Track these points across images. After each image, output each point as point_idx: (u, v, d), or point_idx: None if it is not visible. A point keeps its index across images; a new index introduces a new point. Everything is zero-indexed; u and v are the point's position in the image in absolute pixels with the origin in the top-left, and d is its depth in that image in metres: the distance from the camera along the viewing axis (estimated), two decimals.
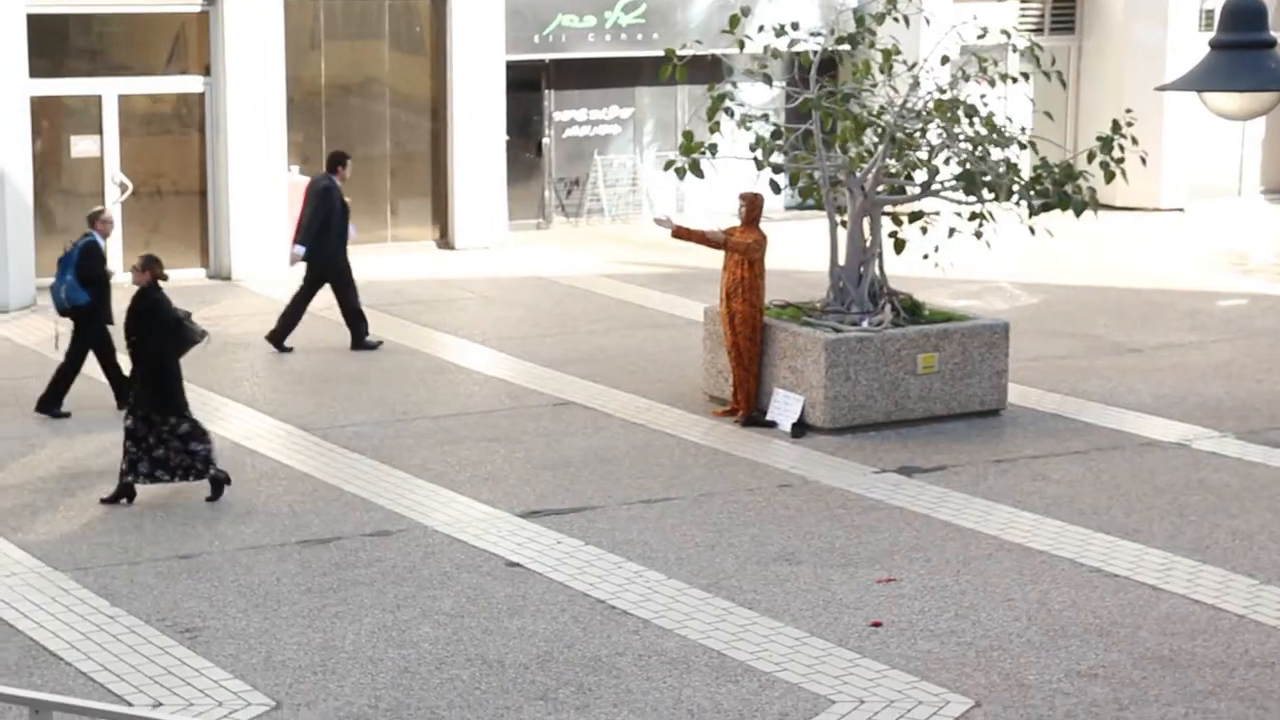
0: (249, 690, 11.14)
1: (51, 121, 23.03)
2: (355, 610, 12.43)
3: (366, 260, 24.69)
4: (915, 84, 17.46)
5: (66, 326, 17.30)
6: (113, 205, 23.16)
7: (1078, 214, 17.09)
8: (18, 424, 16.98)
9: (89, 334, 17.15)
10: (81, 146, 23.26)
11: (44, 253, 22.46)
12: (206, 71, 23.65)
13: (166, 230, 23.81)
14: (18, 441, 16.41)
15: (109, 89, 23.28)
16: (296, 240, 20.11)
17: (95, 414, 17.32)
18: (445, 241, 25.90)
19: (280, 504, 14.74)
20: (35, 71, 22.23)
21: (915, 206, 17.89)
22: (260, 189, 23.67)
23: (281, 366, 19.25)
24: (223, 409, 17.57)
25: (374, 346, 19.79)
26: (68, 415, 17.24)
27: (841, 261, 17.54)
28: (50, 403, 17.28)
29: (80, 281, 16.84)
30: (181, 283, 23.27)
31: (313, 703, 10.97)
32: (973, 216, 17.44)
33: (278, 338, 19.69)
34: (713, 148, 17.40)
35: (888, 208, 17.78)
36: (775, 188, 17.95)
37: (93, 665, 11.49)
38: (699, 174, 17.41)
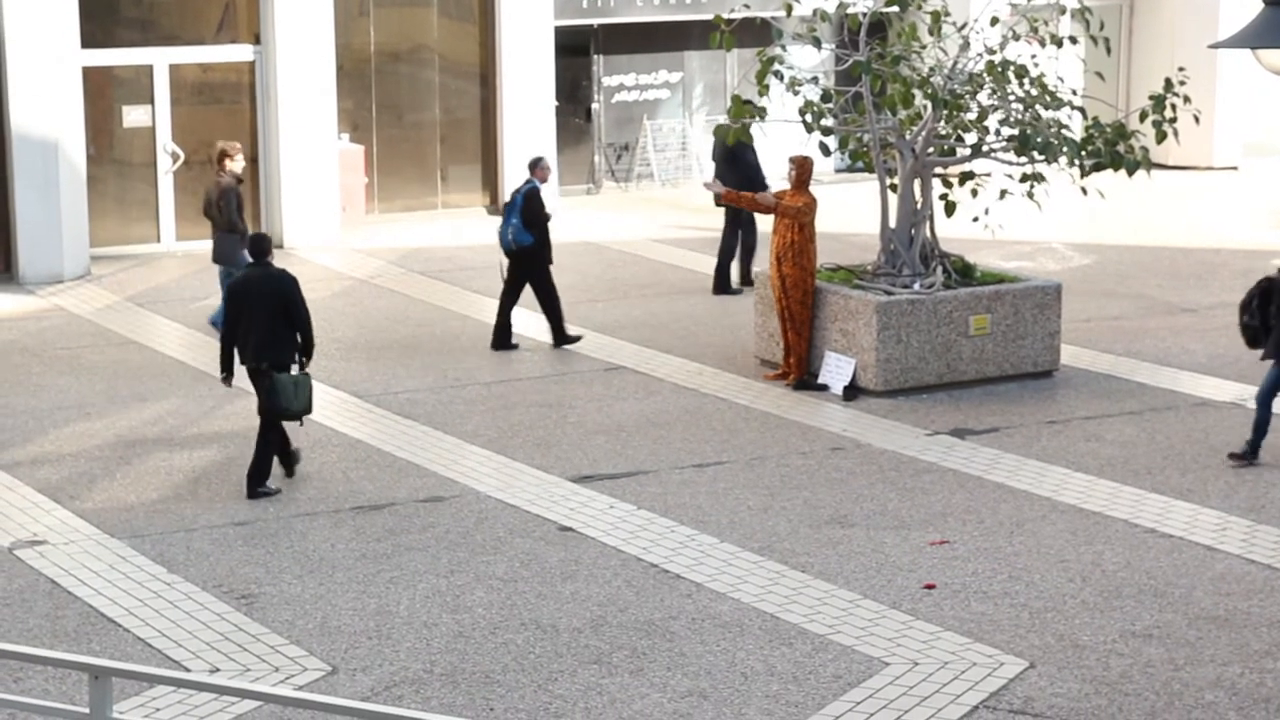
0: (305, 655, 11.21)
1: (103, 92, 23.13)
2: (409, 576, 12.50)
3: (417, 228, 24.77)
4: (965, 45, 17.37)
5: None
6: (165, 175, 23.26)
7: (1130, 173, 17.00)
8: (74, 393, 17.11)
9: (531, 273, 18.31)
10: (133, 116, 23.36)
11: (97, 223, 22.59)
12: (256, 40, 23.70)
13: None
14: (74, 410, 16.53)
15: (160, 59, 23.36)
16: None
17: (154, 384, 17.43)
18: (495, 208, 25.89)
19: (334, 470, 14.81)
20: (87, 42, 22.32)
21: (966, 168, 17.82)
22: (311, 157, 23.72)
23: (333, 334, 19.31)
24: None
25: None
26: (515, 346, 18.54)
27: (892, 224, 17.49)
28: (502, 339, 18.60)
29: (524, 224, 18.10)
30: None
31: (368, 668, 11.04)
32: (1024, 178, 17.36)
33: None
34: (762, 111, 17.36)
35: (938, 170, 17.71)
36: (825, 150, 17.90)
37: (150, 631, 11.58)
38: (748, 138, 17.35)
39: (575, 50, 26.82)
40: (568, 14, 26.22)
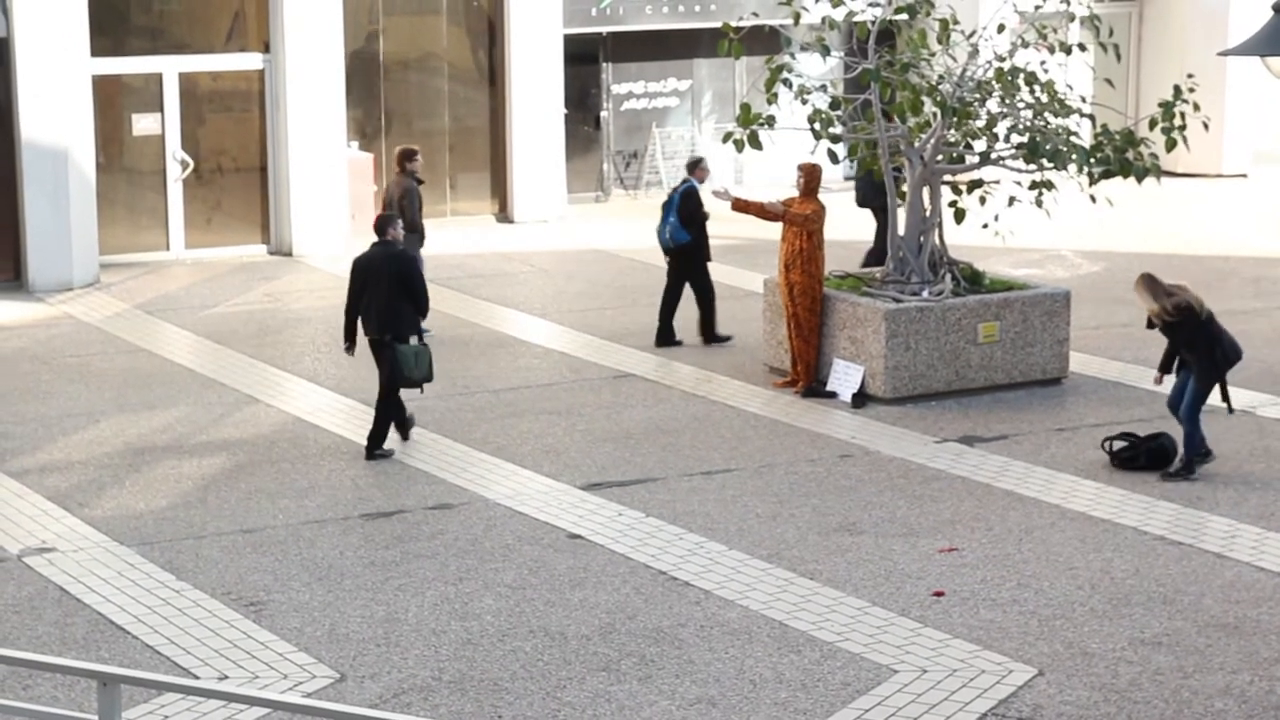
0: (313, 663, 11.22)
1: (112, 100, 23.17)
2: (418, 583, 12.50)
3: (427, 235, 24.75)
4: (974, 52, 17.37)
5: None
6: (174, 183, 23.28)
7: (1139, 181, 16.99)
8: (83, 400, 17.13)
9: (689, 270, 18.80)
10: (143, 125, 23.39)
11: (106, 231, 22.61)
12: (266, 49, 23.73)
13: (227, 207, 23.93)
14: (84, 417, 16.55)
15: (169, 67, 23.39)
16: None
17: (163, 391, 17.45)
18: (504, 215, 25.94)
19: (343, 478, 14.82)
20: (97, 50, 22.35)
21: (975, 175, 17.81)
22: (320, 165, 23.74)
23: (342, 342, 19.28)
24: (285, 384, 17.67)
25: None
26: (679, 343, 18.90)
27: (901, 231, 17.49)
28: (665, 337, 19.01)
29: (682, 223, 18.61)
30: (243, 259, 23.44)
31: (376, 675, 11.04)
32: (1033, 185, 17.35)
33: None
34: (770, 119, 17.36)
35: (947, 177, 17.71)
36: (833, 158, 17.90)
37: (159, 639, 11.59)
38: (757, 146, 17.36)
39: (584, 58, 26.83)
40: (577, 22, 26.24)
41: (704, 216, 18.85)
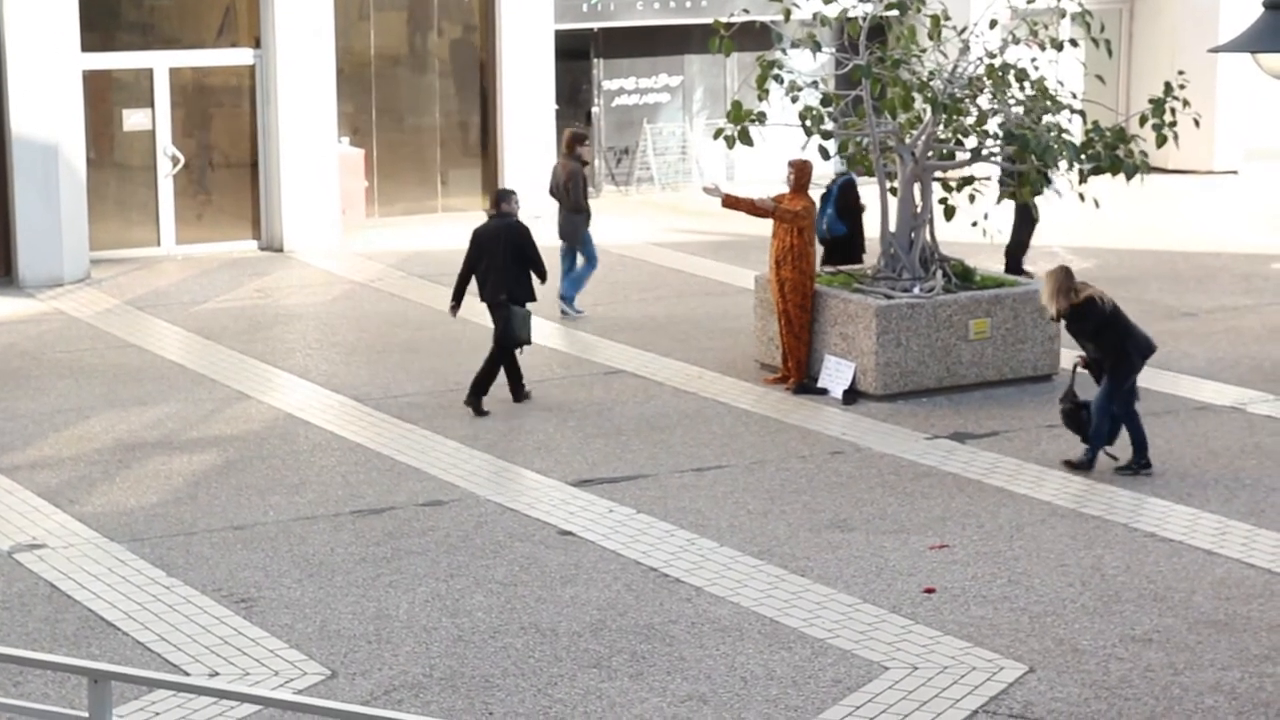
0: (304, 659, 11.21)
1: (103, 95, 23.14)
2: (409, 579, 12.50)
3: (417, 231, 24.77)
4: (965, 49, 17.38)
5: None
6: (164, 178, 23.26)
7: (1129, 178, 17.01)
8: (73, 396, 17.11)
9: (845, 260, 19.18)
10: (133, 120, 23.37)
11: (97, 226, 22.59)
12: (257, 44, 23.71)
13: (218, 202, 23.92)
14: (74, 413, 16.53)
15: (160, 62, 23.37)
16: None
17: (153, 387, 17.44)
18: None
19: (334, 474, 14.82)
20: (87, 45, 22.32)
21: (966, 172, 17.82)
22: (311, 161, 23.73)
23: (334, 338, 19.33)
24: (275, 380, 17.66)
25: None
26: None
27: (892, 228, 17.49)
28: None
29: (839, 214, 19.17)
30: (234, 254, 23.42)
31: (367, 672, 11.04)
32: (1024, 182, 17.35)
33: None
34: (761, 115, 17.36)
35: (938, 174, 17.72)
36: (824, 154, 17.91)
37: (150, 635, 11.58)
38: (748, 142, 17.37)
39: (575, 54, 26.83)
40: (568, 17, 26.23)
41: (861, 209, 19.38)
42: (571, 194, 20.00)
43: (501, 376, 16.74)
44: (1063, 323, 14.95)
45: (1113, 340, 14.61)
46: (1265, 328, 19.52)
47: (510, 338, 16.60)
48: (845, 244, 19.39)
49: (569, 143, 20.29)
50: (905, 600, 12.10)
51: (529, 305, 16.70)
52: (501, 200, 16.98)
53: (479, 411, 16.39)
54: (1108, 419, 14.63)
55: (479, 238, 16.75)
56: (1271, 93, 27.98)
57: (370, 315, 20.33)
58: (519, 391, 16.83)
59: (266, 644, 11.45)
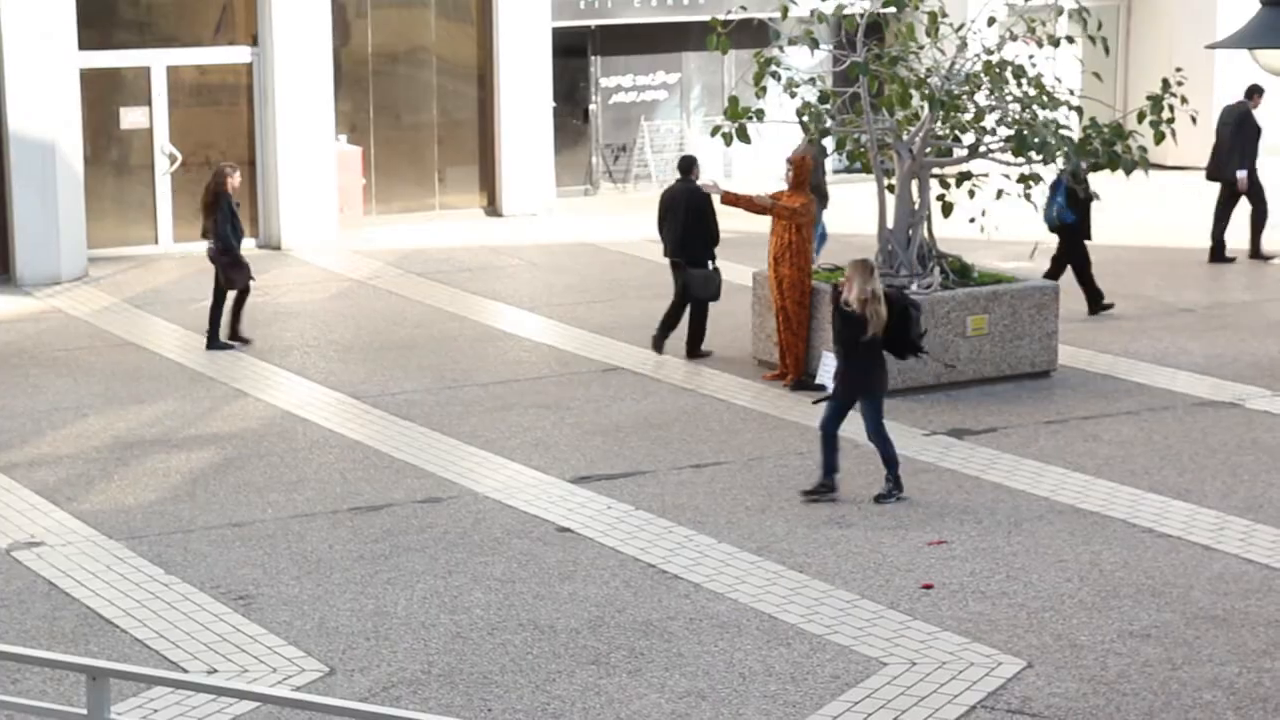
0: (303, 656, 11.21)
1: (100, 94, 23.13)
2: (407, 576, 12.50)
3: (415, 229, 24.77)
4: (962, 46, 17.38)
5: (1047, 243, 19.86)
6: (162, 176, 23.26)
7: (1127, 174, 17.02)
8: (71, 394, 17.11)
9: (1072, 247, 19.71)
10: (131, 118, 23.36)
11: (94, 224, 22.58)
12: (254, 42, 23.71)
13: None
14: (72, 411, 16.53)
15: (157, 60, 23.36)
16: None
17: (151, 386, 17.44)
18: (493, 209, 25.93)
19: (332, 471, 14.82)
20: (84, 44, 22.32)
21: (964, 168, 17.82)
22: (308, 158, 23.73)
23: (331, 335, 19.32)
24: (274, 377, 17.66)
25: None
26: (1111, 306, 19.88)
27: (890, 225, 17.49)
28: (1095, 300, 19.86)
29: (1068, 203, 19.38)
30: None
31: (366, 668, 11.04)
32: (1021, 178, 17.36)
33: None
34: (759, 113, 17.36)
35: (935, 170, 17.72)
36: (821, 151, 17.93)
37: (148, 632, 11.58)
38: (746, 139, 17.37)
39: (573, 51, 26.83)
40: (565, 15, 26.23)
41: (1090, 198, 19.51)
42: (813, 177, 19.98)
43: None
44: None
45: (877, 355, 13.87)
46: (1263, 323, 19.53)
47: (691, 295, 17.98)
48: (1073, 233, 19.66)
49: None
50: (903, 596, 12.11)
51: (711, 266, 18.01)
52: (688, 167, 18.20)
53: (659, 349, 18.07)
54: (887, 443, 13.96)
55: (665, 199, 18.30)
56: (1269, 89, 27.96)
57: (368, 313, 20.32)
58: (694, 348, 18.04)
59: (265, 641, 11.45)
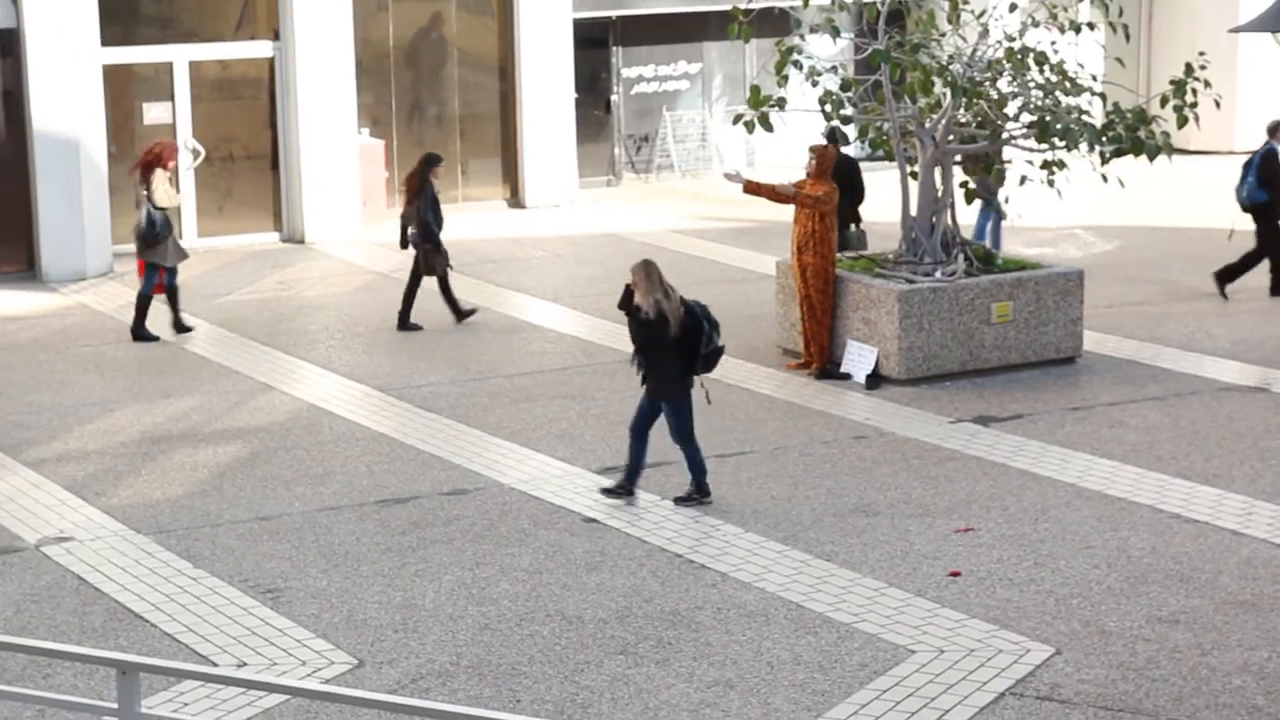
0: (331, 649, 11.24)
1: (123, 89, 23.17)
2: (435, 568, 12.52)
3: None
4: (984, 32, 17.35)
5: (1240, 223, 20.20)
6: (185, 171, 23.31)
7: (1151, 159, 16.97)
8: (98, 389, 17.16)
9: (1264, 226, 19.84)
10: (154, 113, 23.40)
11: (119, 220, 22.63)
12: (276, 36, 23.74)
13: (239, 195, 23.96)
14: (99, 406, 16.58)
15: (180, 55, 23.40)
16: None
17: (177, 380, 17.48)
18: (516, 200, 25.94)
19: (358, 464, 14.84)
20: (107, 40, 22.36)
21: (985, 147, 17.76)
22: (331, 152, 23.76)
23: (356, 328, 19.35)
24: (298, 371, 17.70)
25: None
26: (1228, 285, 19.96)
27: (913, 212, 17.47)
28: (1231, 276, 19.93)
29: (1260, 183, 19.65)
30: (255, 247, 23.46)
31: (395, 660, 11.06)
32: (1044, 164, 17.33)
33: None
34: (781, 101, 17.35)
35: (958, 157, 17.68)
36: (844, 139, 17.90)
37: (177, 626, 11.62)
38: (768, 128, 17.35)
39: (594, 42, 26.82)
40: (586, 6, 26.22)
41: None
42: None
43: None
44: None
45: (675, 357, 13.58)
46: None
47: (841, 248, 18.15)
48: (1265, 210, 19.72)
49: None
50: (931, 584, 12.10)
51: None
52: (834, 139, 18.43)
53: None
54: (692, 447, 13.68)
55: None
56: None
57: (392, 305, 20.32)
58: None
59: (293, 634, 11.48)
